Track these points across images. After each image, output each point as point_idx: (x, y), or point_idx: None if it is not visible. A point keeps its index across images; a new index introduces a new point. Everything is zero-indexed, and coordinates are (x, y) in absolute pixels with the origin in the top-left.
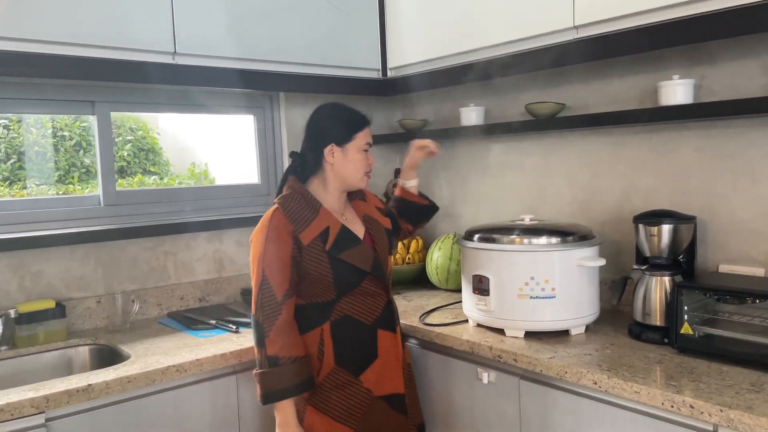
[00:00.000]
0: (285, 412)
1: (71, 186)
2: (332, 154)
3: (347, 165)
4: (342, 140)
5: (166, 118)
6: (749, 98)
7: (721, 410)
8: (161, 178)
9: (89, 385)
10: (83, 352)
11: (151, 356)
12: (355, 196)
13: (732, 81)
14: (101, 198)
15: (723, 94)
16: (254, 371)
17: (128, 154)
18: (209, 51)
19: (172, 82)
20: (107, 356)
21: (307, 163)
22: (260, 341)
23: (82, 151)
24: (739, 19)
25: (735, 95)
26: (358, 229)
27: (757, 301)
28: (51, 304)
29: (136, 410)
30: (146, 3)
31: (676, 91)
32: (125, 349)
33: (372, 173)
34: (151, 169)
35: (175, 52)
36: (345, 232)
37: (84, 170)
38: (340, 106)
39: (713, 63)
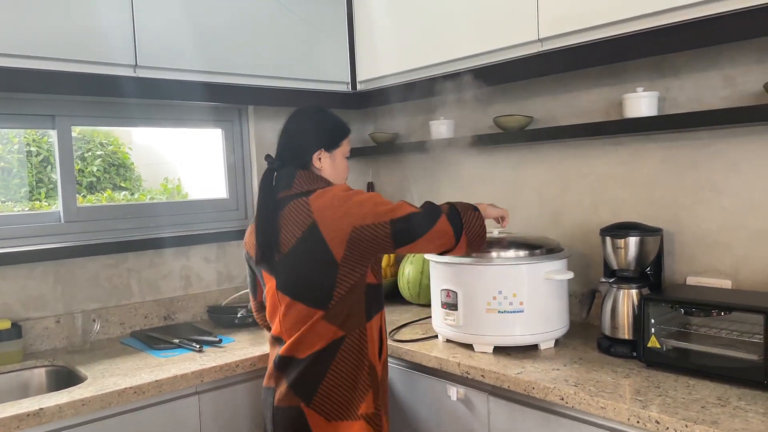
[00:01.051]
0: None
1: (38, 203)
2: (320, 159)
3: (334, 171)
4: (330, 146)
5: (139, 133)
6: (712, 110)
7: (687, 425)
8: (132, 194)
9: (41, 409)
10: (39, 375)
11: (108, 378)
12: None
13: (695, 93)
14: (61, 214)
15: (687, 106)
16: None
17: (98, 170)
18: (173, 64)
19: (134, 96)
20: (65, 378)
21: (284, 175)
22: (435, 209)
23: (50, 167)
24: (700, 31)
25: (698, 107)
26: None
27: (723, 313)
28: (6, 325)
29: None
30: (106, 15)
31: (641, 103)
32: (83, 370)
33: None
34: (122, 185)
35: (136, 64)
36: None
37: (52, 186)
38: (325, 111)
39: (677, 75)
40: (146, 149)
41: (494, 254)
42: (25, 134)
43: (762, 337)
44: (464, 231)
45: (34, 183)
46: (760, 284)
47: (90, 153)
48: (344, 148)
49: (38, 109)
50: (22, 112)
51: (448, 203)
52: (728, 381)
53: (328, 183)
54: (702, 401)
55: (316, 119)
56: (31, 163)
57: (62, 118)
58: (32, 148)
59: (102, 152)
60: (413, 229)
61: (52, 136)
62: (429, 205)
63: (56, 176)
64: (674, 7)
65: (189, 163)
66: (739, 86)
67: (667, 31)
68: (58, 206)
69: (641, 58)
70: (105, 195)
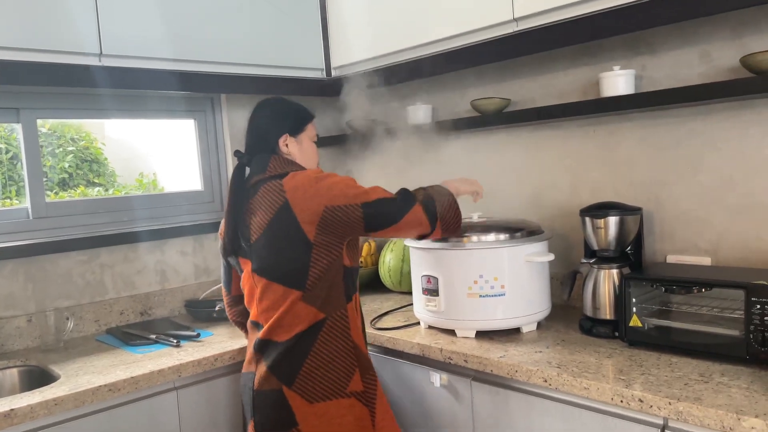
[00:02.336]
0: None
1: (8, 201)
2: (286, 144)
3: (302, 155)
4: (295, 130)
5: (112, 127)
6: (689, 86)
7: (670, 403)
8: (106, 190)
9: (11, 410)
10: (12, 375)
11: (82, 376)
12: None
13: (672, 70)
14: (29, 210)
15: (664, 83)
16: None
17: (70, 166)
18: (141, 52)
19: (100, 86)
20: (38, 378)
21: (257, 160)
22: (410, 197)
23: (20, 164)
24: (675, 6)
25: (675, 84)
26: None
27: (704, 290)
28: None
29: None
30: (69, 2)
31: (618, 81)
32: (56, 369)
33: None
34: (96, 181)
35: (101, 53)
36: None
37: (23, 184)
38: (284, 100)
39: (653, 53)
40: (120, 143)
41: (474, 238)
42: None
43: (743, 312)
44: (439, 219)
45: (5, 181)
46: (739, 260)
47: (61, 149)
48: (309, 132)
49: (1, 102)
50: None
51: (423, 189)
52: (711, 357)
53: (300, 167)
54: (685, 378)
55: (277, 106)
56: (0, 161)
57: (27, 111)
58: (1, 145)
59: (73, 148)
60: (387, 215)
61: (17, 130)
62: (403, 192)
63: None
64: None
65: (164, 156)
66: (716, 62)
67: (642, 6)
68: (25, 202)
69: (617, 35)
70: (78, 191)
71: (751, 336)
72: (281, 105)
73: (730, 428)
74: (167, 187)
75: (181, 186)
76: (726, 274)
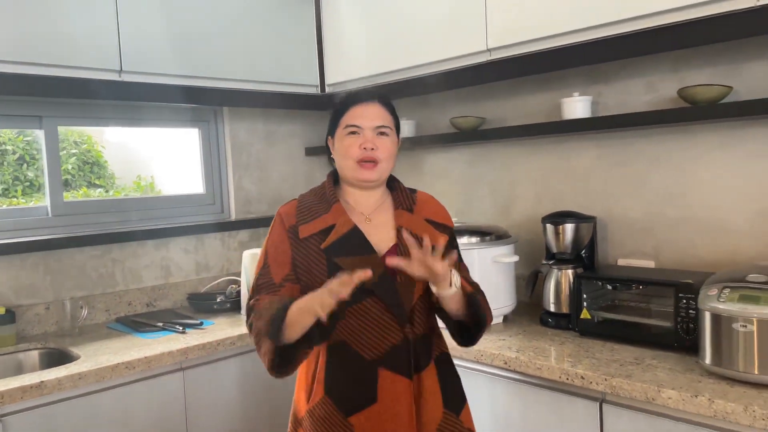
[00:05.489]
0: (299, 308)
1: (15, 200)
2: (332, 146)
3: (338, 155)
4: (332, 129)
5: (111, 131)
6: (636, 113)
7: (606, 379)
8: (106, 191)
9: (42, 381)
10: (33, 356)
11: (101, 356)
12: (400, 205)
13: (623, 98)
14: (49, 209)
15: (615, 109)
16: (259, 350)
17: (72, 168)
18: (155, 68)
19: (118, 98)
20: (57, 358)
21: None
22: (248, 313)
23: (25, 165)
24: (625, 45)
25: (626, 110)
26: (382, 239)
27: (641, 287)
28: (1, 311)
29: (87, 406)
30: (93, 23)
31: (576, 106)
32: (75, 350)
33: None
34: (96, 182)
35: (121, 69)
36: (354, 236)
37: (27, 184)
38: (340, 96)
39: (608, 82)
40: (118, 147)
41: None
42: (1, 133)
43: (673, 306)
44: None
45: (10, 181)
46: (677, 263)
47: (65, 151)
48: (341, 125)
49: (26, 110)
50: (9, 113)
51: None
52: (646, 345)
53: (322, 186)
54: (621, 361)
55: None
56: (6, 162)
57: (49, 119)
58: (8, 147)
59: (76, 151)
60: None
61: (39, 135)
62: (251, 305)
63: (32, 174)
64: (603, 24)
65: (161, 160)
66: (659, 92)
67: (598, 44)
68: (45, 201)
69: (576, 67)
70: (81, 192)
71: (679, 326)
72: (337, 99)
73: (652, 399)
74: (164, 190)
75: (177, 188)
76: (663, 274)
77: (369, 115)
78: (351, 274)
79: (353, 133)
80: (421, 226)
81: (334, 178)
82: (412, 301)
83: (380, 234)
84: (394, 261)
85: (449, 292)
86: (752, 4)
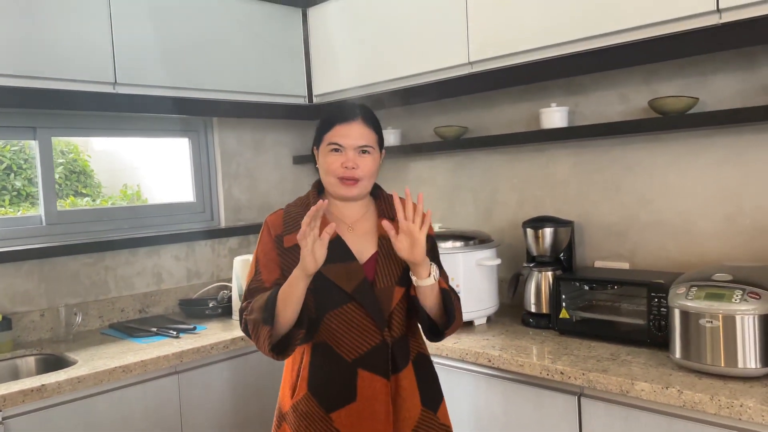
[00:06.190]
0: (291, 284)
1: (2, 209)
2: (317, 156)
3: (321, 169)
4: (317, 141)
5: (98, 140)
6: (611, 122)
7: (583, 374)
8: (93, 200)
9: (42, 385)
10: (30, 362)
11: (98, 360)
12: (383, 213)
13: (598, 108)
14: (43, 218)
15: (591, 118)
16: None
17: (59, 177)
18: (147, 81)
19: (112, 110)
20: (53, 364)
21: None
22: (240, 315)
23: (12, 175)
24: (600, 59)
25: (601, 120)
26: (364, 248)
27: (616, 287)
28: None
29: (85, 409)
30: (88, 37)
31: (554, 116)
32: (71, 356)
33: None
34: (83, 191)
35: (115, 82)
36: (336, 245)
37: (15, 193)
38: (335, 104)
39: (584, 93)
40: (104, 156)
41: None
42: None
43: (646, 305)
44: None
45: None
46: (650, 265)
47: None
48: (324, 142)
49: (20, 122)
50: (3, 125)
51: (253, 307)
52: (622, 342)
53: (307, 196)
54: (598, 357)
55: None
56: None
57: (43, 130)
58: None
59: (63, 160)
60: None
61: (33, 146)
62: (244, 307)
63: (19, 183)
64: (579, 39)
65: (148, 168)
66: (632, 102)
67: (574, 57)
68: (38, 210)
69: (554, 79)
70: (68, 201)
71: (651, 324)
72: (324, 112)
73: (627, 391)
74: (151, 198)
75: (164, 196)
76: (636, 275)
77: (352, 135)
78: (312, 211)
79: (336, 150)
80: None
81: (319, 187)
82: (391, 306)
83: (363, 242)
84: (386, 225)
85: (427, 282)
86: (714, 22)
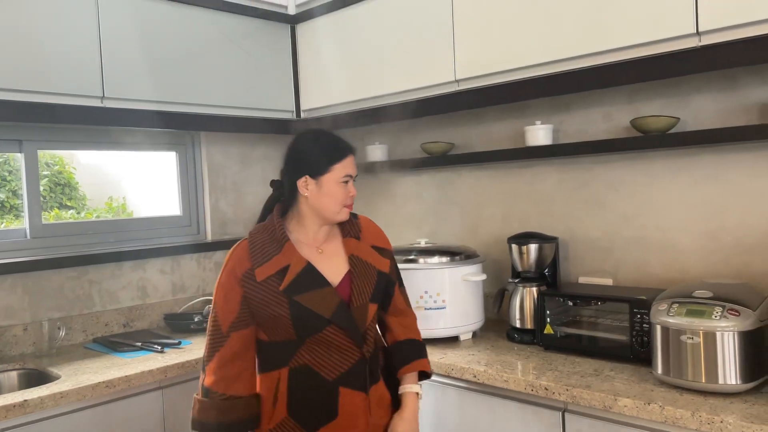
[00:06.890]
0: None
1: None
2: (306, 186)
3: (322, 198)
4: (317, 172)
5: (84, 153)
6: (595, 141)
7: (568, 389)
8: (78, 213)
9: (25, 400)
10: (12, 377)
11: (81, 375)
12: (348, 233)
13: (582, 126)
14: (27, 231)
15: (575, 136)
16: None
17: (44, 189)
18: (135, 95)
19: (100, 124)
20: (36, 379)
21: (285, 194)
22: (202, 368)
23: None
24: (583, 78)
25: (585, 138)
26: (335, 269)
27: (600, 303)
28: None
29: (69, 424)
30: (77, 51)
31: (539, 134)
32: (54, 371)
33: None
34: (68, 204)
35: (103, 96)
36: (308, 272)
37: None
38: (322, 135)
39: (568, 111)
40: (89, 169)
41: (421, 260)
42: None
43: (629, 321)
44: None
45: None
46: (633, 281)
47: None
48: (335, 173)
49: (6, 134)
50: None
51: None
52: (605, 357)
53: (271, 222)
54: (582, 372)
55: (307, 143)
56: None
57: (29, 143)
58: None
59: (48, 172)
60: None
61: (19, 159)
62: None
63: (2, 195)
64: (564, 59)
65: (134, 181)
66: (615, 121)
67: (559, 77)
68: (23, 223)
69: (539, 98)
70: (52, 214)
71: (634, 340)
72: (313, 141)
73: (610, 407)
74: (137, 211)
75: (150, 210)
76: (619, 291)
77: (354, 166)
78: None
79: (346, 182)
80: (368, 253)
81: (281, 211)
82: (366, 322)
83: (334, 264)
84: None
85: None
86: (694, 45)
